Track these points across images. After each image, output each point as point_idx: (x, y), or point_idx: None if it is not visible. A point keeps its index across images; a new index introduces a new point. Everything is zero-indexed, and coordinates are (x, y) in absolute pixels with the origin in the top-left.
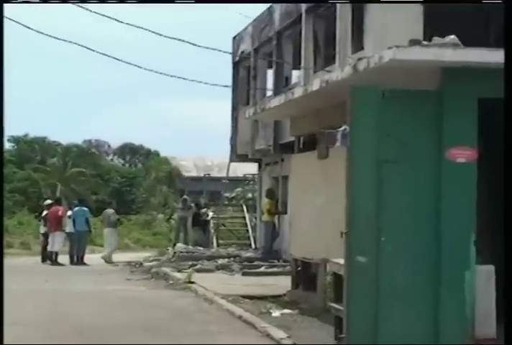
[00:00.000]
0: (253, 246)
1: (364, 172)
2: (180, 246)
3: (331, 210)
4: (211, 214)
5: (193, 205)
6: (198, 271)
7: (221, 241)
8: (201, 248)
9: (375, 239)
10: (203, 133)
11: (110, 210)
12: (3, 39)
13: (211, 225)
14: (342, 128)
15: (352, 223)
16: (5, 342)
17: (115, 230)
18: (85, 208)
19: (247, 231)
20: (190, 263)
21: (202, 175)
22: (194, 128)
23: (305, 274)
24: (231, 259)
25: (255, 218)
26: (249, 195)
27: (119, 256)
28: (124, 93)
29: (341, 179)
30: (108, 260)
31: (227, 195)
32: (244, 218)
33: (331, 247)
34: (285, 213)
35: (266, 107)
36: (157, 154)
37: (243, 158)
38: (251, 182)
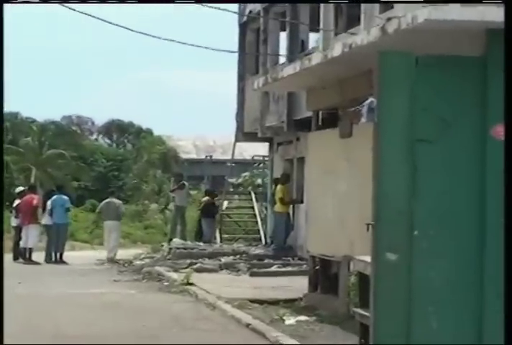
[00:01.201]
0: (263, 241)
1: (394, 153)
2: (176, 241)
3: (355, 199)
4: (225, 204)
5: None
6: (198, 271)
7: (225, 236)
8: (202, 244)
9: (407, 233)
10: (204, 108)
11: (116, 201)
12: (3, 39)
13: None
14: (368, 101)
15: (380, 214)
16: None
17: (120, 224)
18: (65, 197)
19: (256, 223)
20: (188, 261)
21: (203, 157)
22: (193, 102)
23: (324, 275)
24: (237, 256)
25: (266, 208)
26: (259, 181)
27: (103, 253)
28: (110, 62)
29: (367, 161)
30: (113, 259)
31: (232, 180)
32: (253, 208)
33: (356, 242)
34: (301, 202)
35: (278, 76)
36: (149, 132)
37: (251, 137)
38: (260, 166)
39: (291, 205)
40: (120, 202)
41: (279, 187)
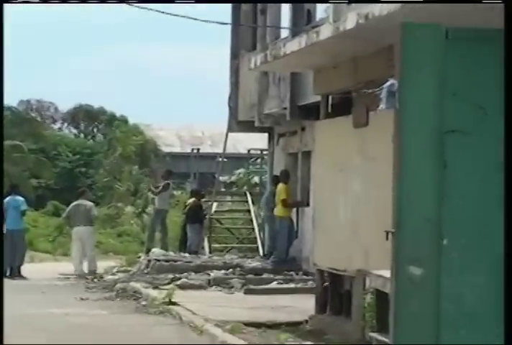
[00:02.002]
0: (261, 252)
1: (419, 146)
2: (156, 251)
3: (372, 202)
4: (215, 207)
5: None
6: (183, 287)
7: (215, 245)
8: (187, 255)
9: (434, 242)
10: (191, 92)
11: (87, 203)
12: (3, 39)
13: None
14: (388, 83)
15: (402, 220)
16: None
17: (93, 230)
18: (20, 198)
19: (253, 230)
20: (170, 276)
21: (188, 150)
22: (178, 84)
23: (335, 293)
24: (230, 270)
25: (264, 211)
26: (256, 179)
27: (67, 266)
28: (77, 37)
29: (386, 156)
30: (94, 272)
31: (224, 179)
32: (249, 211)
33: (373, 254)
34: (307, 204)
35: (280, 53)
36: (124, 120)
37: (247, 127)
38: (258, 162)
39: (295, 209)
40: (92, 204)
41: (280, 186)
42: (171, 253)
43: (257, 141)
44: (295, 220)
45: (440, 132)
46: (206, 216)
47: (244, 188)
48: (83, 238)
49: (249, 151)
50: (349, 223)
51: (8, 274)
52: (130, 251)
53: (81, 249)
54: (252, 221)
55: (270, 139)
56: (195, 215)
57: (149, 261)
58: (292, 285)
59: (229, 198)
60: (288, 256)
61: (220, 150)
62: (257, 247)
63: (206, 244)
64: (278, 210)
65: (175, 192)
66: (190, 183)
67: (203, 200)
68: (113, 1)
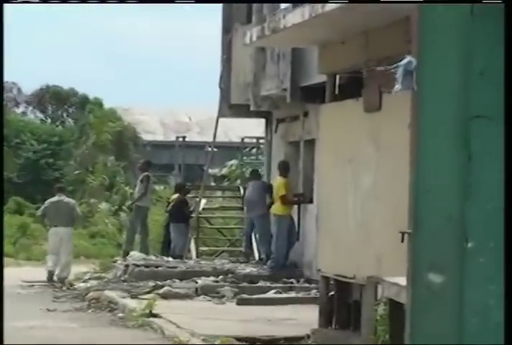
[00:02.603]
0: (256, 256)
1: (440, 133)
2: (135, 255)
3: (385, 198)
4: (203, 204)
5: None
6: (166, 297)
7: (203, 248)
8: (170, 259)
9: (457, 245)
10: (176, 71)
11: (68, 200)
12: (3, 39)
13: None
14: (405, 61)
15: (419, 219)
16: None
17: (72, 231)
18: None
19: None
20: (151, 284)
21: (173, 139)
22: (161, 63)
23: (342, 303)
24: (221, 277)
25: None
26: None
27: (32, 272)
28: (43, 8)
29: (402, 145)
30: (65, 279)
31: (214, 171)
32: (242, 209)
33: (386, 258)
34: (310, 201)
35: (280, 26)
36: (98, 103)
37: (241, 111)
38: (253, 152)
39: (296, 206)
40: (74, 201)
41: (279, 180)
42: (152, 257)
43: (253, 128)
44: (296, 219)
45: (464, 118)
46: (193, 215)
47: (237, 182)
48: (63, 240)
49: (243, 139)
50: (359, 223)
51: None
52: (105, 254)
53: (58, 252)
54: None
55: (268, 125)
56: (180, 214)
57: (126, 266)
58: (292, 294)
59: (219, 194)
60: (288, 261)
61: (209, 138)
62: (252, 251)
63: (192, 246)
64: (277, 208)
65: (157, 188)
66: (174, 177)
67: (190, 196)
68: (113, 1)
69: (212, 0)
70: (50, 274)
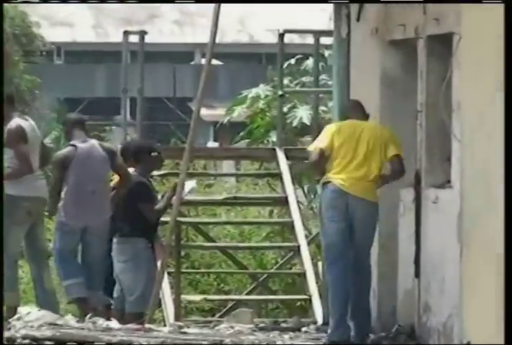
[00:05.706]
0: (318, 312)
1: None
2: (32, 314)
3: None
4: (190, 187)
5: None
6: None
7: (190, 297)
8: (113, 323)
9: None
10: None
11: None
12: (3, 39)
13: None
14: None
15: None
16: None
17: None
18: None
19: (296, 253)
20: None
21: (116, 37)
22: None
23: None
24: None
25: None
26: (303, 112)
27: None
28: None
29: None
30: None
31: (216, 114)
32: (285, 201)
33: None
34: (448, 182)
35: None
36: None
37: None
38: (306, 65)
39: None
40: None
41: (377, 128)
42: (68, 317)
43: (302, 14)
44: (403, 224)
45: None
46: (166, 217)
47: (268, 138)
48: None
49: (281, 35)
50: None
51: None
52: None
53: None
54: (293, 228)
55: (340, 6)
56: (134, 217)
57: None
58: None
59: (228, 168)
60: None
61: (200, 38)
62: (309, 299)
63: (165, 292)
64: (370, 189)
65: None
66: (121, 127)
67: (158, 173)
68: (113, 1)
69: (212, 0)
70: None
